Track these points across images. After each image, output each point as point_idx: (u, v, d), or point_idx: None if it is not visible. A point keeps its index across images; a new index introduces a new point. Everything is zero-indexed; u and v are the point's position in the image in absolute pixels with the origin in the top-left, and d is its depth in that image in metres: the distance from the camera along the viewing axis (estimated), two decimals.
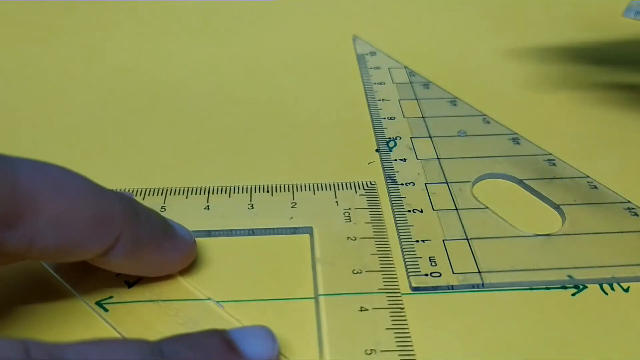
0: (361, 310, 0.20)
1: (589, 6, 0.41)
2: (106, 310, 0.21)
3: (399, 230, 0.23)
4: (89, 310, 0.21)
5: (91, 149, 0.28)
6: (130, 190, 0.25)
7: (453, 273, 0.22)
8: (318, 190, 0.25)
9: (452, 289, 0.21)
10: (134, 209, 0.19)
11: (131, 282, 0.21)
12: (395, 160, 0.27)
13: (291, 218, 0.24)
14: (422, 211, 0.24)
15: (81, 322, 0.20)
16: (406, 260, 0.22)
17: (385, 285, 0.21)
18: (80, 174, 0.19)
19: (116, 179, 0.26)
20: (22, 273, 0.22)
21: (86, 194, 0.18)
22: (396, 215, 0.24)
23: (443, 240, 0.23)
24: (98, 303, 0.21)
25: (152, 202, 0.25)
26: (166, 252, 0.21)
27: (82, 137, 0.29)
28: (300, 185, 0.26)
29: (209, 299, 0.21)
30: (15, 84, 0.34)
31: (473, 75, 0.32)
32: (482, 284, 0.21)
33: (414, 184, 0.26)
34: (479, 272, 0.22)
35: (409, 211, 0.24)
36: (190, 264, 0.22)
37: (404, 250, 0.22)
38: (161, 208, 0.24)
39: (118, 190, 0.25)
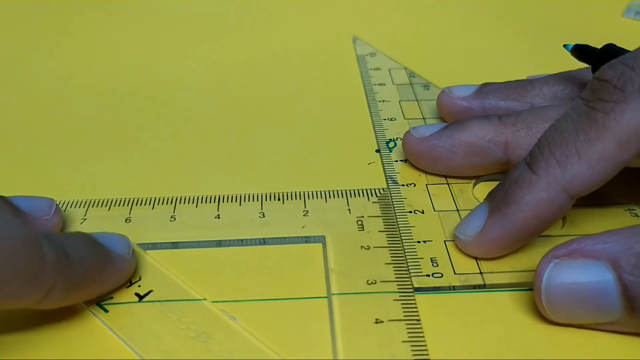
0: (376, 323, 0.20)
1: (589, 6, 0.41)
2: (106, 311, 0.20)
3: (401, 232, 0.23)
4: (88, 311, 0.21)
5: (94, 156, 0.28)
6: (139, 200, 0.25)
7: (455, 274, 0.22)
8: (330, 197, 0.25)
9: (454, 289, 0.21)
10: (65, 255, 0.18)
11: (142, 294, 0.21)
12: (396, 161, 0.27)
13: (303, 227, 0.24)
14: (423, 212, 0.24)
15: (80, 324, 0.20)
16: (408, 261, 0.22)
17: (400, 296, 0.21)
18: (14, 217, 0.18)
19: (123, 187, 0.26)
20: None
21: (18, 244, 0.17)
22: (397, 217, 0.24)
23: (444, 241, 0.23)
24: (98, 304, 0.21)
25: (161, 212, 0.24)
26: (105, 282, 0.20)
27: (85, 142, 0.29)
28: (312, 193, 0.25)
29: (210, 300, 0.21)
30: (15, 84, 0.34)
31: (473, 76, 0.32)
32: (484, 285, 0.21)
33: (414, 185, 0.26)
34: (481, 272, 0.22)
35: (410, 212, 0.24)
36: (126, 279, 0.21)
37: (405, 251, 0.23)
38: (171, 218, 0.24)
39: (115, 199, 0.25)
